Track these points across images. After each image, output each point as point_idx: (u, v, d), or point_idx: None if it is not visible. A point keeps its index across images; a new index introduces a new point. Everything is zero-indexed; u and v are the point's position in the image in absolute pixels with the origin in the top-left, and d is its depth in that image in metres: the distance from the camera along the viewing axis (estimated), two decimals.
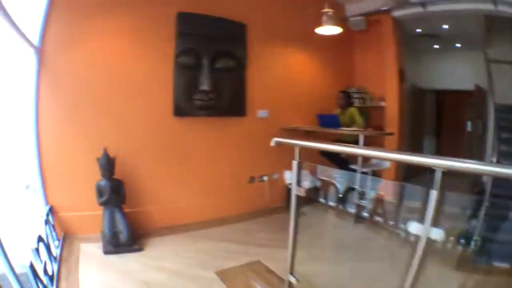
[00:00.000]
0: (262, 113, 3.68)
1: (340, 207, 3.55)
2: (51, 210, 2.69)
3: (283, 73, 3.81)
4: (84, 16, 2.78)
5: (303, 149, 1.77)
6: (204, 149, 3.44)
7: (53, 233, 2.50)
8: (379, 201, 3.30)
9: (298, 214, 1.85)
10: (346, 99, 3.80)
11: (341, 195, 3.72)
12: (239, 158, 3.62)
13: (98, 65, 2.89)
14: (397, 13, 3.81)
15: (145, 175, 3.11)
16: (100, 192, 2.73)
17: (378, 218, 3.24)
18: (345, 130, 3.39)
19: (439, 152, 5.63)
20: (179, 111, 3.26)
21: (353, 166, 3.36)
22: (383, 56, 4.02)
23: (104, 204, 2.72)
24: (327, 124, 3.60)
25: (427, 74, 5.27)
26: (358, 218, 3.28)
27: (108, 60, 2.93)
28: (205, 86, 3.21)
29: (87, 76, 2.84)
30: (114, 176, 2.79)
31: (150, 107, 3.15)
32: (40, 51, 2.57)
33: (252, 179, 3.70)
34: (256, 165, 3.71)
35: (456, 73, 5.04)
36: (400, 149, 3.90)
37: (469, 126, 4.47)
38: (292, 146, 1.79)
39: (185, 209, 3.33)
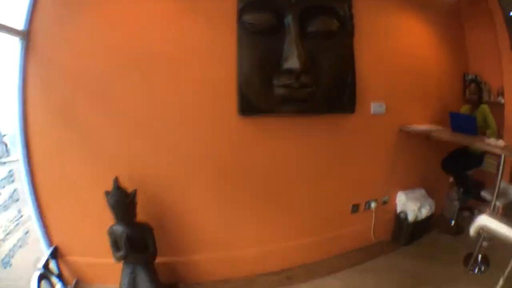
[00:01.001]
0: (377, 107, 2.31)
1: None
2: (54, 254, 2.01)
3: (401, 47, 2.42)
4: None
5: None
6: (285, 167, 2.14)
7: (58, 285, 1.96)
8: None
9: None
10: (479, 92, 2.57)
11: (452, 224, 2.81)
12: (338, 179, 2.31)
13: (113, 42, 1.85)
14: None
15: (188, 209, 2.06)
16: (115, 243, 1.84)
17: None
18: (488, 144, 2.08)
19: None
20: (248, 107, 1.96)
21: (484, 194, 2.38)
22: (495, 38, 2.88)
23: (121, 260, 1.86)
24: (461, 127, 2.35)
25: None
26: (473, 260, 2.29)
27: (129, 33, 1.86)
28: (293, 62, 1.84)
29: (95, 61, 1.85)
30: (137, 220, 1.87)
31: (196, 102, 1.95)
32: (27, 35, 1.81)
33: (355, 208, 2.43)
34: (362, 186, 2.41)
35: None
36: None
37: None
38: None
39: (251, 255, 2.21)
